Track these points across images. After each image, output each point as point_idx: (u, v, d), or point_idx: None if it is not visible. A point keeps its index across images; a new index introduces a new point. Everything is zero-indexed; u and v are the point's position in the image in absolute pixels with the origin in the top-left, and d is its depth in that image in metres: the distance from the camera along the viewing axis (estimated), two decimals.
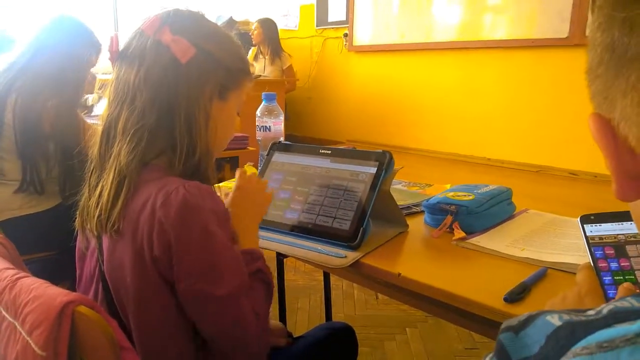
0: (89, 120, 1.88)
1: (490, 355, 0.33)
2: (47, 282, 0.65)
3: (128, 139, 0.76)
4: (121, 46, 0.81)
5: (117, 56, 0.81)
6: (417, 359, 1.88)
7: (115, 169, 0.76)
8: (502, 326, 0.33)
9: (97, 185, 0.79)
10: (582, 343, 0.27)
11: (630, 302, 0.29)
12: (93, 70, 3.26)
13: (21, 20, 3.07)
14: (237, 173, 0.95)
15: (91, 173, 0.82)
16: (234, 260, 0.76)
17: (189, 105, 0.78)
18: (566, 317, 0.30)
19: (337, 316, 2.12)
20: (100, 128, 0.82)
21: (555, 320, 0.30)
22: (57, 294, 0.60)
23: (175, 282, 0.73)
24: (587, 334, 0.28)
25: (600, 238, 0.63)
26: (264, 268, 0.85)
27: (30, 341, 0.60)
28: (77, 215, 0.83)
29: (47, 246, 1.65)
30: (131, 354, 0.62)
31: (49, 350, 0.58)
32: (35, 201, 1.62)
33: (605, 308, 0.29)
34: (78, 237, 0.87)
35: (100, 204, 0.77)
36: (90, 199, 0.80)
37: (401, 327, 2.09)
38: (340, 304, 2.27)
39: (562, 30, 3.22)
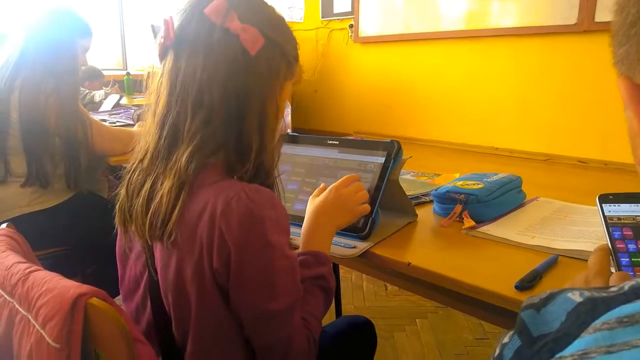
0: (95, 117, 1.89)
1: (511, 332, 0.33)
2: (59, 274, 0.66)
3: (194, 143, 0.69)
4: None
5: (172, 43, 0.71)
6: (428, 349, 1.88)
7: (175, 175, 0.69)
8: (524, 304, 0.33)
9: (141, 188, 0.73)
10: (603, 318, 0.27)
11: None
12: (100, 66, 3.28)
13: (13, 14, 3.07)
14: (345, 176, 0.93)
15: (132, 172, 0.75)
16: (291, 274, 0.72)
17: (262, 100, 0.71)
18: (587, 293, 0.30)
19: (347, 307, 2.12)
20: (150, 127, 0.74)
21: (576, 297, 0.30)
22: (69, 287, 0.61)
23: (231, 293, 0.70)
24: (608, 310, 0.28)
25: (619, 218, 0.62)
26: (327, 274, 0.82)
27: (44, 334, 0.60)
28: (117, 212, 0.77)
29: (58, 242, 1.67)
30: (145, 347, 0.63)
31: (62, 342, 0.58)
32: (44, 197, 1.63)
33: (627, 284, 0.29)
34: (119, 236, 0.82)
35: (153, 211, 0.70)
36: (131, 202, 0.74)
37: (411, 318, 2.08)
38: (350, 296, 2.27)
39: (571, 16, 3.18)
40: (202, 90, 0.69)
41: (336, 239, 0.96)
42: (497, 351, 0.34)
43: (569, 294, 0.31)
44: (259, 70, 0.71)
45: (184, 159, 0.69)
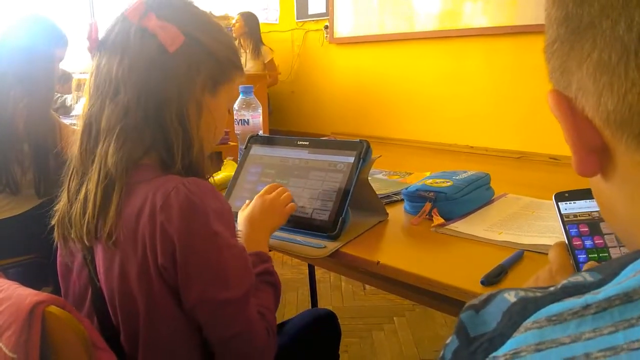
0: (66, 121, 1.85)
1: (452, 335, 0.33)
2: (16, 283, 0.64)
3: (114, 137, 0.70)
4: (101, 34, 0.75)
5: (97, 45, 0.74)
6: (405, 347, 1.89)
7: (100, 172, 0.70)
8: (465, 306, 0.33)
9: (79, 191, 0.73)
10: (533, 317, 0.28)
11: (583, 277, 0.30)
12: (71, 69, 3.22)
13: None
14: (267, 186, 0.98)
15: (70, 177, 0.75)
16: (241, 260, 0.72)
17: (180, 97, 0.72)
18: (522, 293, 0.31)
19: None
20: (79, 126, 0.75)
21: (511, 297, 0.31)
22: (26, 295, 0.59)
23: (181, 289, 0.68)
24: (537, 309, 0.28)
25: (575, 216, 0.63)
26: (272, 269, 0.84)
27: (1, 344, 0.58)
28: (56, 226, 0.76)
29: (28, 249, 1.63)
30: (106, 354, 0.62)
31: (20, 352, 0.57)
32: (14, 204, 1.59)
33: (560, 284, 0.30)
34: (59, 251, 0.80)
35: (87, 211, 0.70)
36: (72, 207, 0.73)
37: (389, 316, 2.09)
38: (328, 296, 2.27)
39: (540, 16, 3.23)
40: (117, 88, 0.70)
41: (306, 239, 0.96)
42: (442, 352, 0.34)
43: (505, 295, 0.31)
44: (178, 67, 0.72)
45: (109, 155, 0.69)
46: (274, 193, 0.96)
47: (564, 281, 0.29)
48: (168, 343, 0.72)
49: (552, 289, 0.30)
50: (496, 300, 0.31)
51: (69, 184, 0.75)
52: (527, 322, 0.28)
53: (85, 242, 0.71)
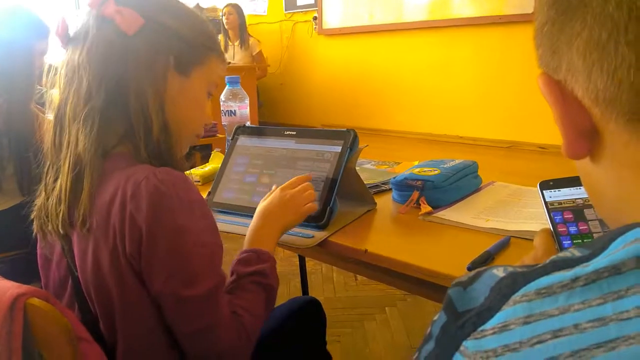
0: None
1: (439, 312, 0.33)
2: None
3: (80, 124, 0.70)
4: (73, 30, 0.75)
5: (67, 40, 0.74)
6: (397, 336, 1.90)
7: (70, 159, 0.70)
8: (452, 283, 0.33)
9: (55, 182, 0.73)
10: (522, 291, 0.28)
11: (571, 252, 0.30)
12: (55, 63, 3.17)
13: None
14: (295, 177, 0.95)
15: (47, 171, 0.75)
16: (208, 259, 0.70)
17: (139, 79, 0.72)
18: (510, 269, 0.31)
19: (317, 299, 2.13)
20: (52, 118, 0.76)
21: (500, 273, 0.31)
22: (7, 287, 0.58)
23: (145, 278, 0.68)
24: (527, 283, 0.28)
25: (559, 203, 0.64)
26: (266, 271, 0.80)
27: None
28: (35, 219, 0.76)
29: (16, 245, 1.61)
30: (91, 345, 0.61)
31: (2, 344, 0.56)
32: None
33: (549, 259, 0.30)
34: (39, 243, 0.80)
35: (60, 199, 0.70)
36: (48, 199, 0.73)
37: (381, 306, 2.11)
38: (320, 287, 2.28)
39: (528, 5, 3.25)
40: (80, 75, 0.71)
41: (294, 229, 0.96)
42: (428, 329, 0.34)
43: (494, 270, 0.31)
44: (137, 49, 0.72)
45: (79, 141, 0.70)
46: (296, 188, 0.92)
47: (553, 256, 0.30)
48: (144, 332, 0.71)
49: (541, 264, 0.30)
50: (484, 276, 0.31)
51: (46, 178, 0.75)
52: (516, 296, 0.28)
53: (60, 231, 0.71)
